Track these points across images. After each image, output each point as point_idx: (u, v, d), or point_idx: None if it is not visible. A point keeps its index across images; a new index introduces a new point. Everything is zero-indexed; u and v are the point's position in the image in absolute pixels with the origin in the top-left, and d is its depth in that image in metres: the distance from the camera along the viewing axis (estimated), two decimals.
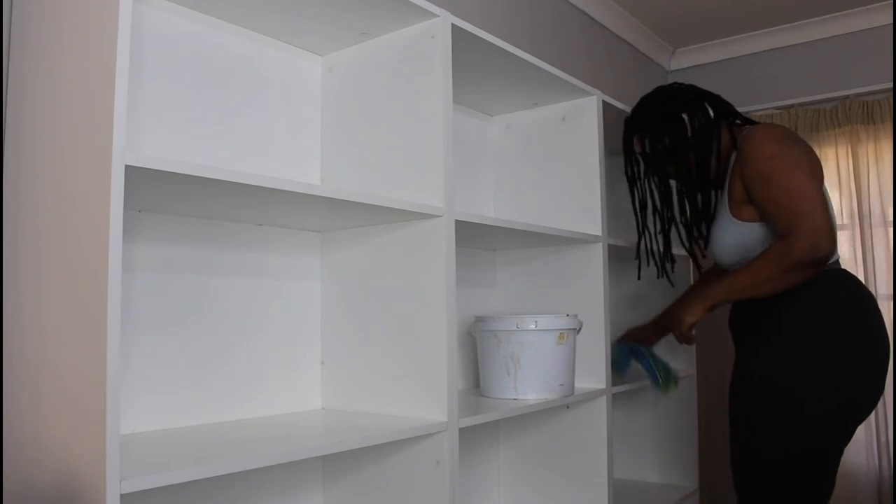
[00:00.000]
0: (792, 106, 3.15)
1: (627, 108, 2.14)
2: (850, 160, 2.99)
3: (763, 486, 1.62)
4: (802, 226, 1.52)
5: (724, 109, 1.84)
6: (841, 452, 1.64)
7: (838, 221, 2.98)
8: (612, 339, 2.43)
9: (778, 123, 1.80)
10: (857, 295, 1.64)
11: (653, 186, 1.94)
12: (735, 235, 1.71)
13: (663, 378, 2.05)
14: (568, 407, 1.93)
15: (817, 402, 1.56)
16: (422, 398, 1.40)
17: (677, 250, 2.39)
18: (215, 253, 1.39)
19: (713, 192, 1.90)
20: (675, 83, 1.91)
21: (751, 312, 1.73)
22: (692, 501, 2.37)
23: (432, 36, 1.44)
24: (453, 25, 1.46)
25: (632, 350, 2.11)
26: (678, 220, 2.05)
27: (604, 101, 2.02)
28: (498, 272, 2.13)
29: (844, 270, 1.69)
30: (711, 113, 1.82)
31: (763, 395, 1.61)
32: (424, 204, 1.38)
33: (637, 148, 1.93)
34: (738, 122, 1.85)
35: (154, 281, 1.28)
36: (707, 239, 1.86)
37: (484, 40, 1.55)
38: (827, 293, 1.62)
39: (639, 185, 1.98)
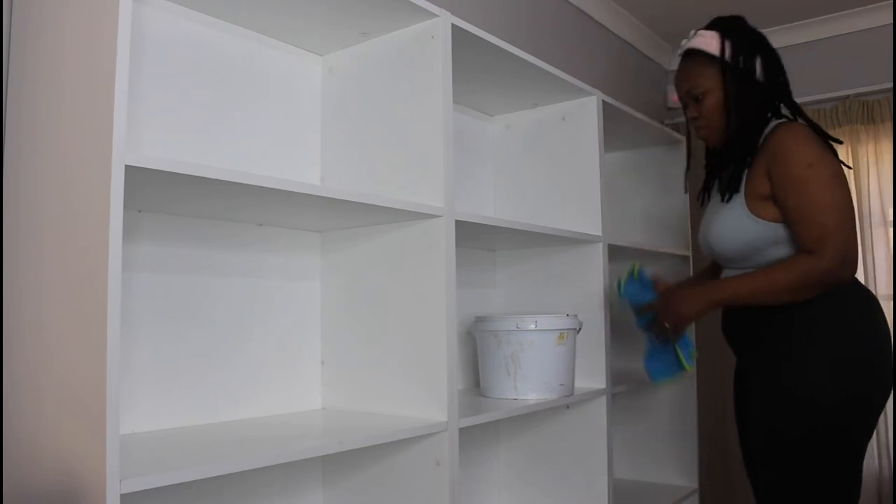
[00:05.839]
0: None
1: (627, 108, 2.14)
2: (850, 160, 2.99)
3: (795, 489, 1.56)
4: (832, 245, 1.49)
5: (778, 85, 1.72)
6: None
7: None
8: (609, 340, 2.42)
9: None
10: (863, 295, 1.62)
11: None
12: (750, 233, 1.63)
13: (688, 357, 1.87)
14: (568, 407, 1.93)
15: (844, 407, 1.52)
16: (422, 398, 1.40)
17: (679, 250, 2.39)
18: (215, 253, 1.39)
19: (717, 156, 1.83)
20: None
21: (756, 318, 1.67)
22: (692, 501, 2.37)
23: (432, 36, 1.44)
24: (453, 25, 1.46)
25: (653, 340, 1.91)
26: None
27: (604, 101, 2.02)
28: (498, 272, 2.13)
29: None
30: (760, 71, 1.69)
31: (794, 404, 1.55)
32: (424, 204, 1.38)
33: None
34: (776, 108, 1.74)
35: (154, 281, 1.28)
36: (707, 230, 1.77)
37: (484, 40, 1.55)
38: (841, 297, 1.59)
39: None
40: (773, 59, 1.72)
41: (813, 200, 1.53)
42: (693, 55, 1.76)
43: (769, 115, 1.71)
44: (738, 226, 1.65)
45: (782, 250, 1.62)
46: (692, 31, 1.79)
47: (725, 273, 1.77)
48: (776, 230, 1.61)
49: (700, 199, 1.89)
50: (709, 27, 1.77)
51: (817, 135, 1.62)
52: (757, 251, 1.65)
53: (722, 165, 1.80)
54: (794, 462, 1.54)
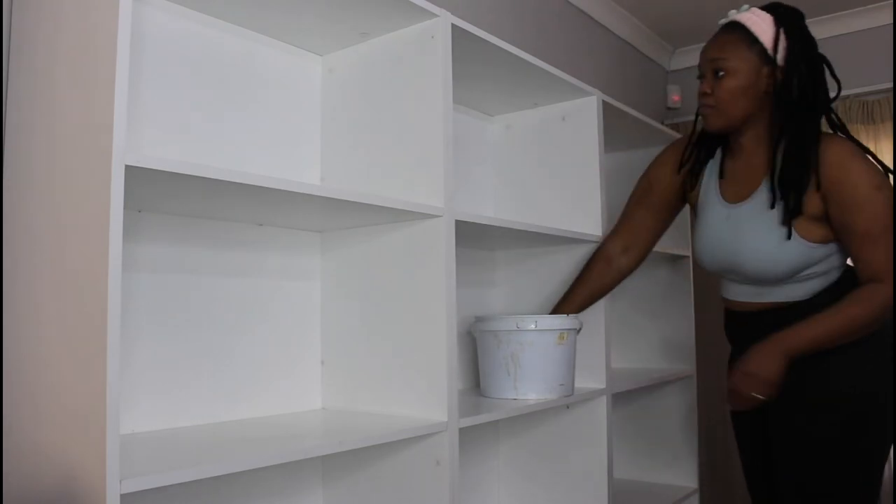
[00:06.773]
0: None
1: (627, 108, 2.14)
2: None
3: (831, 492, 1.52)
4: None
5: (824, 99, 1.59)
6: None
7: None
8: (609, 341, 2.42)
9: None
10: None
11: None
12: (800, 258, 1.54)
13: None
14: (568, 407, 1.93)
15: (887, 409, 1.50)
16: (422, 398, 1.40)
17: (679, 250, 2.39)
18: (215, 253, 1.39)
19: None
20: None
21: (775, 319, 1.58)
22: (692, 501, 2.37)
23: (432, 36, 1.44)
24: (453, 25, 1.46)
25: None
26: None
27: (604, 101, 2.02)
28: (498, 272, 2.13)
29: None
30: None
31: (844, 408, 1.52)
32: (424, 204, 1.38)
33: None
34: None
35: (154, 281, 1.28)
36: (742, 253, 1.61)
37: (484, 40, 1.55)
38: None
39: None
40: (819, 68, 1.57)
41: (884, 225, 1.46)
42: (735, 29, 1.57)
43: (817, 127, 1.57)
44: (784, 251, 1.55)
45: (820, 267, 1.56)
46: (745, 5, 1.60)
47: (733, 288, 1.70)
48: (820, 251, 1.54)
49: (689, 185, 1.81)
50: (766, 9, 1.57)
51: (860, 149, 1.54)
52: (797, 273, 1.57)
53: (709, 154, 1.75)
54: (845, 467, 1.51)
